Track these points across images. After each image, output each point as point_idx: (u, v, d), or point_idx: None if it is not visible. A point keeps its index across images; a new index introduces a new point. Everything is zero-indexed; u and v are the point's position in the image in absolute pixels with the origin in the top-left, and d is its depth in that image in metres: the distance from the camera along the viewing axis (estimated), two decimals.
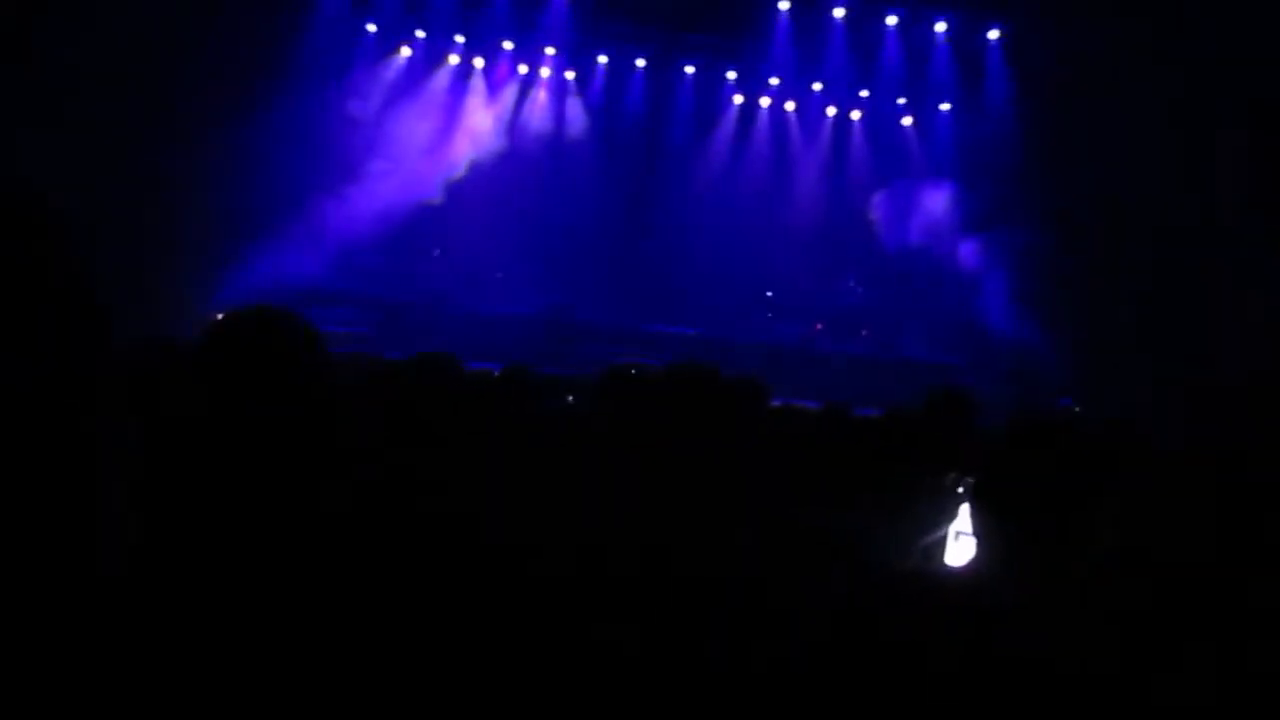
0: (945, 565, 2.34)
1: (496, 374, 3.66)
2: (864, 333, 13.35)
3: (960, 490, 2.54)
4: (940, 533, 2.36)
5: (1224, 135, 9.50)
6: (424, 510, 1.77)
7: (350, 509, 1.72)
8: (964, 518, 2.44)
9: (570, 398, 5.29)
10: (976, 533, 1.56)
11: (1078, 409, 11.09)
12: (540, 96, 14.11)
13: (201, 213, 11.41)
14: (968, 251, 13.19)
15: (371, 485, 1.86)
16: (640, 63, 14.08)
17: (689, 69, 14.19)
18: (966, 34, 12.77)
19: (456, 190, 13.32)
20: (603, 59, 14.08)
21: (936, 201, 13.61)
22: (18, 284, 0.61)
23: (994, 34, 12.68)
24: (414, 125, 13.30)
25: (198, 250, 11.42)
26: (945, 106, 13.77)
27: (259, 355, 1.53)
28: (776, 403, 5.99)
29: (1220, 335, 9.89)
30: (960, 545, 2.42)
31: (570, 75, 14.19)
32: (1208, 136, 9.81)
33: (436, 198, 13.16)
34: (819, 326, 13.19)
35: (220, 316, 1.66)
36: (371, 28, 13.30)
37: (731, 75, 14.22)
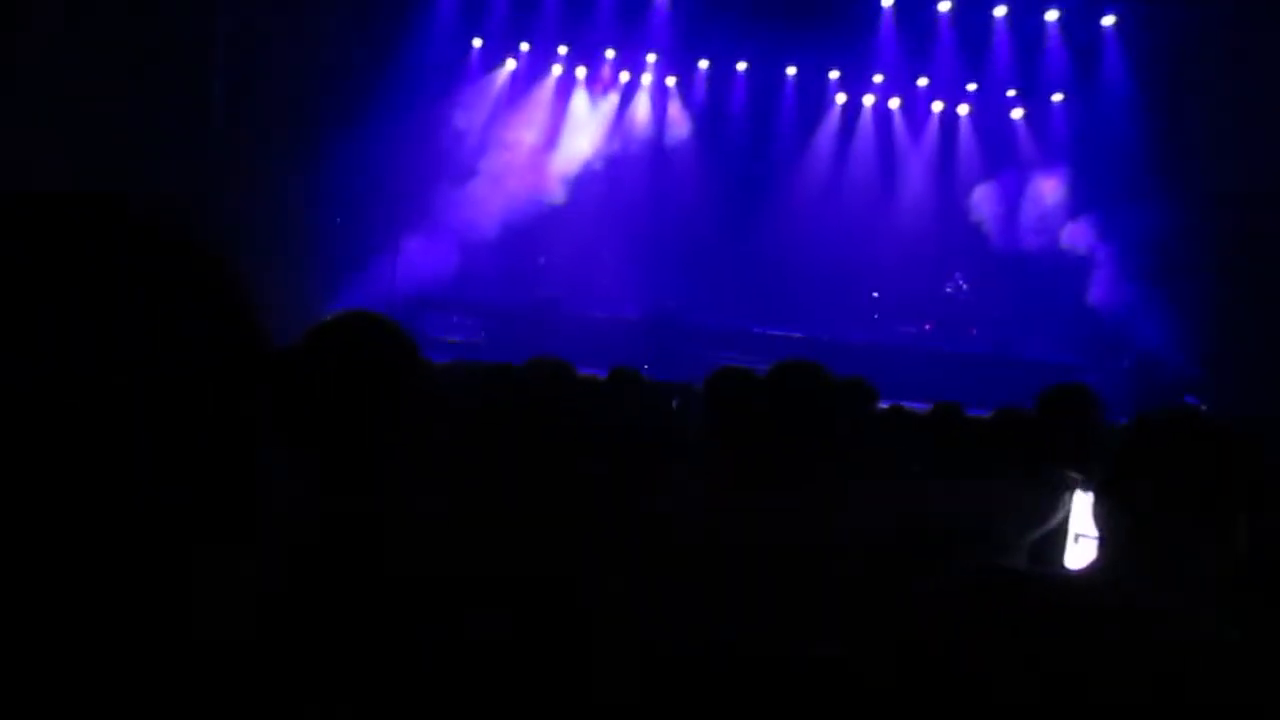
0: (1063, 566, 2.31)
1: (604, 378, 3.75)
2: (974, 331, 13.03)
3: (1080, 490, 2.48)
4: (1054, 529, 2.32)
5: None
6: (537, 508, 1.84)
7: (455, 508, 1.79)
8: (1084, 519, 2.40)
9: (675, 401, 5.35)
10: (1100, 534, 1.51)
11: (1204, 408, 10.62)
12: (643, 102, 14.26)
13: (322, 224, 11.97)
14: (1084, 242, 12.77)
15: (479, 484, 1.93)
16: (742, 66, 14.08)
17: (791, 70, 14.11)
18: (1080, 21, 12.35)
19: (565, 197, 13.59)
20: (704, 63, 14.13)
21: (1046, 193, 13.22)
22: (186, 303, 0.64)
23: (1109, 20, 12.23)
24: (520, 135, 13.62)
25: (319, 259, 11.98)
26: (1058, 97, 13.34)
27: (350, 360, 1.55)
28: (885, 404, 5.94)
29: None
30: (1080, 548, 2.37)
31: (672, 80, 14.29)
32: None
33: (543, 205, 13.45)
34: (928, 326, 12.93)
35: (320, 322, 1.69)
36: (478, 42, 13.66)
37: (834, 74, 14.08)
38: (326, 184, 11.60)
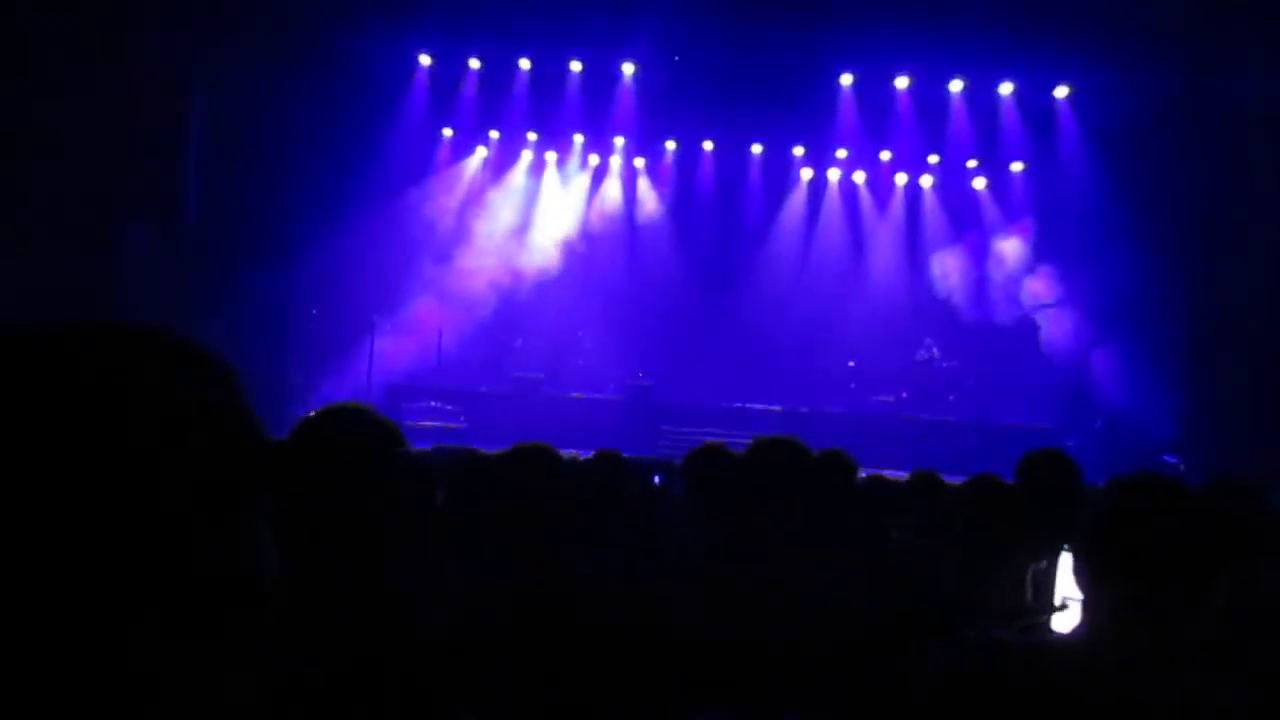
0: (1051, 633, 2.30)
1: (587, 458, 3.76)
2: (950, 398, 13.15)
3: (1064, 553, 2.49)
4: (1040, 594, 2.33)
5: None
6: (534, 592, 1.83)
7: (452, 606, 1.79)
8: (1069, 583, 2.40)
9: (658, 477, 5.35)
10: (1084, 598, 1.51)
11: (1182, 467, 10.70)
12: (614, 184, 14.51)
13: (301, 320, 12.04)
14: (1047, 302, 13.02)
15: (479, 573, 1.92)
16: (708, 145, 14.40)
17: (757, 148, 14.44)
18: (1034, 93, 12.76)
19: (539, 281, 13.73)
20: (671, 144, 14.44)
21: (1009, 257, 13.51)
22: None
23: (1061, 91, 12.65)
24: (493, 221, 13.80)
25: (300, 354, 12.03)
26: (1018, 166, 13.71)
27: (335, 453, 1.58)
28: (866, 472, 5.95)
29: None
30: (1067, 612, 2.37)
31: (640, 162, 14.58)
32: None
33: (518, 289, 13.57)
34: (904, 394, 13.03)
35: (307, 416, 1.71)
36: (448, 132, 13.91)
37: (799, 151, 14.42)
38: (301, 277, 11.71)
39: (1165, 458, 11.13)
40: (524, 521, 2.15)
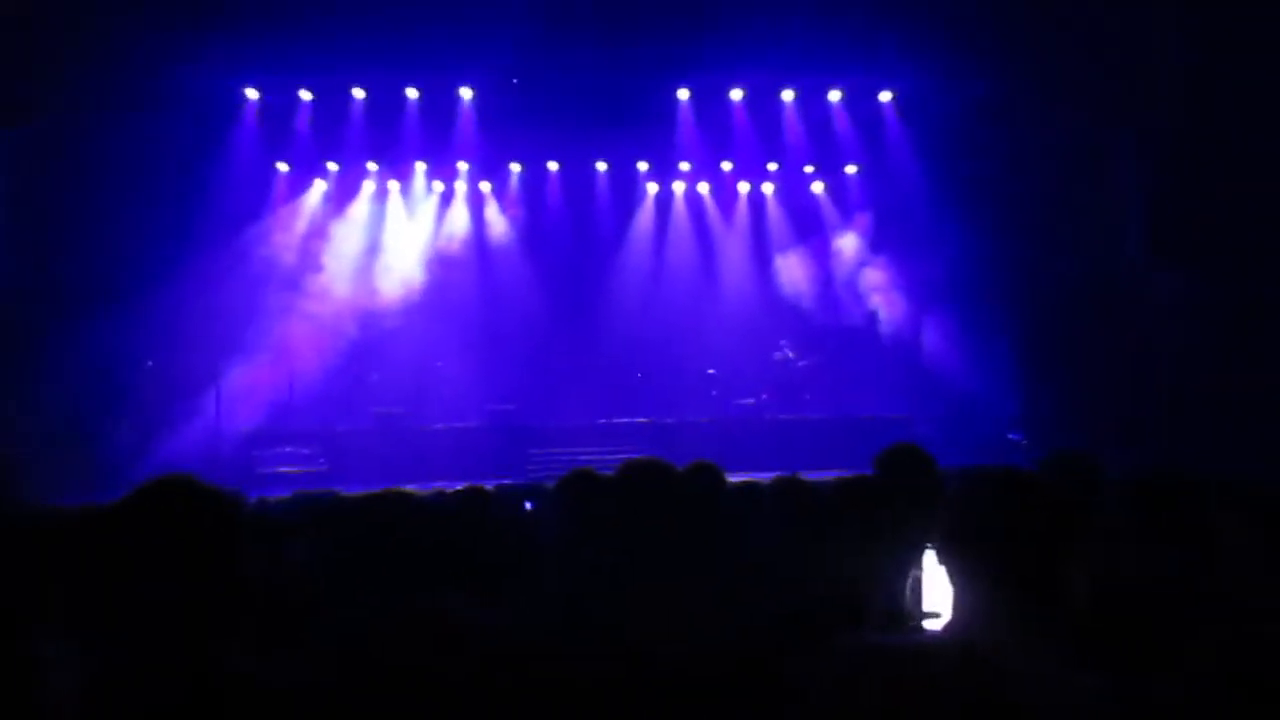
0: (920, 628, 2.35)
1: (453, 492, 3.66)
2: (807, 396, 13.53)
3: (929, 548, 2.54)
4: (909, 589, 2.39)
5: (1121, 169, 9.99)
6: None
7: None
8: (935, 577, 2.45)
9: (528, 504, 5.27)
10: (951, 593, 1.54)
11: (1025, 443, 11.32)
12: (461, 210, 14.33)
13: (134, 374, 11.38)
14: (886, 294, 13.61)
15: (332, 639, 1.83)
16: (554, 165, 14.42)
17: (602, 165, 14.55)
18: (861, 99, 13.32)
19: (391, 313, 13.39)
20: (516, 167, 14.38)
21: (847, 254, 14.07)
22: None
23: (886, 96, 13.25)
24: (337, 255, 13.40)
25: (132, 412, 11.35)
26: (852, 169, 14.28)
27: (164, 538, 1.48)
28: (738, 478, 6.01)
29: (1146, 360, 10.23)
30: (936, 605, 2.42)
31: (486, 186, 14.47)
32: (1105, 172, 10.30)
33: (369, 322, 13.21)
34: (764, 396, 13.34)
35: (131, 494, 1.58)
36: (283, 166, 13.44)
37: (643, 166, 14.61)
38: (132, 328, 11.05)
39: (1010, 435, 11.75)
40: (389, 568, 2.07)
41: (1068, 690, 1.32)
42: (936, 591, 2.14)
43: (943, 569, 1.55)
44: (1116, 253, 11.47)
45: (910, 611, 2.07)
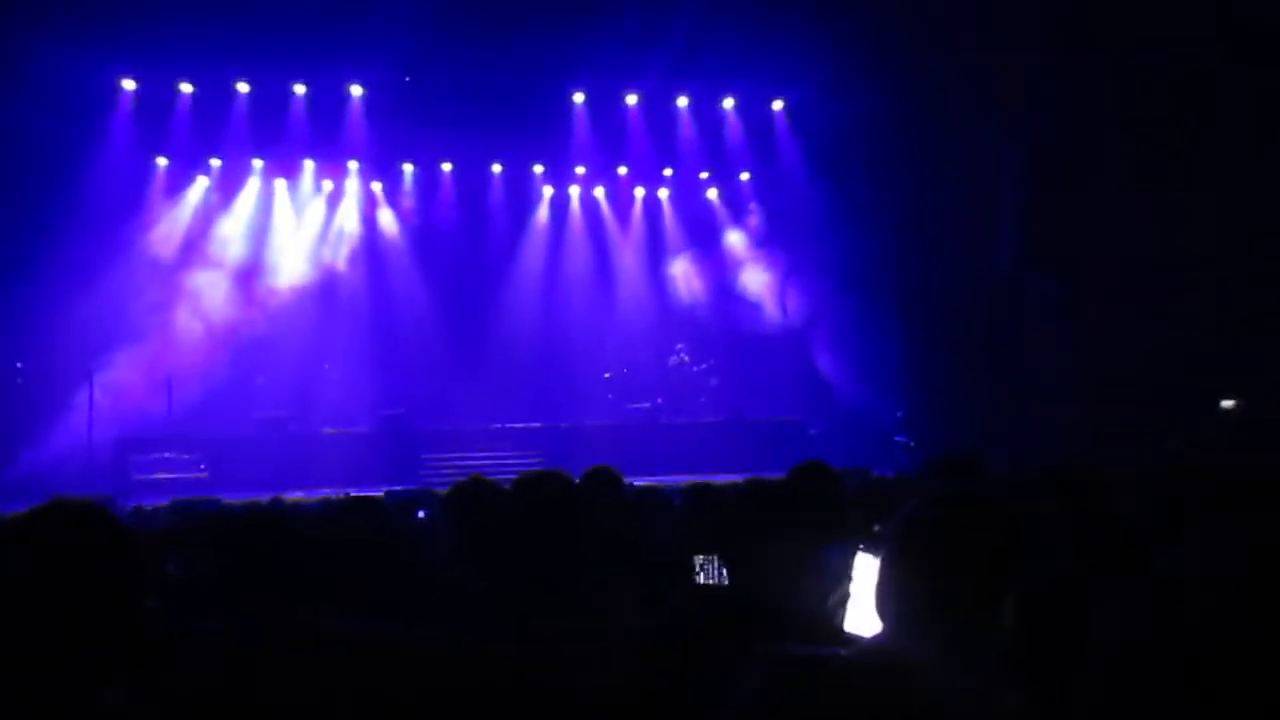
0: (854, 641, 2.33)
1: (341, 500, 3.55)
2: (702, 399, 13.65)
3: (860, 554, 2.52)
4: (836, 596, 2.39)
5: (994, 181, 10.37)
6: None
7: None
8: (864, 584, 2.45)
9: (421, 513, 5.16)
10: (882, 605, 1.56)
11: (913, 444, 11.64)
12: (351, 210, 13.97)
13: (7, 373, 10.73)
14: (781, 306, 13.84)
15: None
16: (447, 166, 14.19)
17: (497, 167, 14.40)
18: (754, 106, 13.51)
19: (277, 314, 12.95)
20: (409, 167, 14.11)
21: (739, 258, 14.29)
22: None
23: (778, 104, 13.48)
24: (220, 255, 12.88)
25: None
26: (745, 176, 14.48)
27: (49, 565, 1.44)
28: (639, 482, 6.01)
29: (1028, 365, 10.63)
30: (860, 613, 2.42)
31: (378, 186, 14.15)
32: (980, 183, 10.67)
33: (253, 324, 12.74)
34: (660, 400, 13.40)
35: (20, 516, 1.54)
36: (163, 161, 12.87)
37: (539, 169, 14.52)
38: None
39: (897, 438, 12.07)
40: (271, 582, 1.97)
41: (991, 708, 1.34)
42: (861, 604, 2.15)
43: (875, 580, 1.56)
44: (991, 259, 11.90)
45: (835, 623, 2.08)
